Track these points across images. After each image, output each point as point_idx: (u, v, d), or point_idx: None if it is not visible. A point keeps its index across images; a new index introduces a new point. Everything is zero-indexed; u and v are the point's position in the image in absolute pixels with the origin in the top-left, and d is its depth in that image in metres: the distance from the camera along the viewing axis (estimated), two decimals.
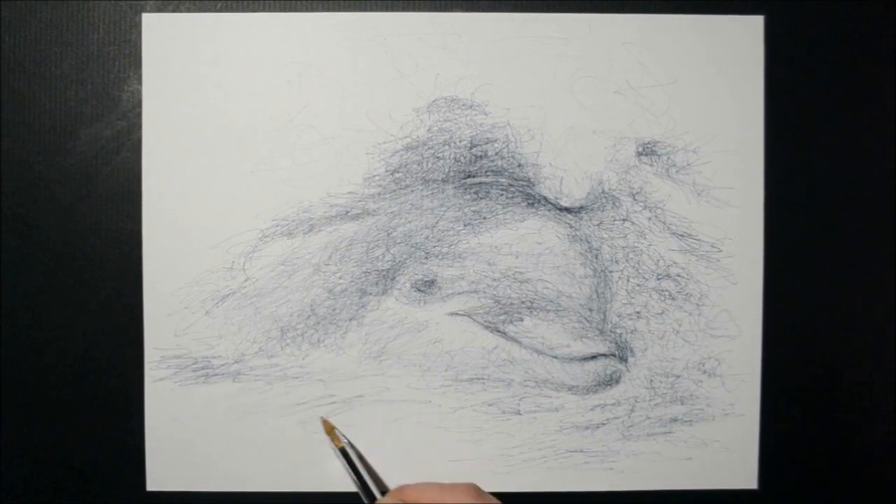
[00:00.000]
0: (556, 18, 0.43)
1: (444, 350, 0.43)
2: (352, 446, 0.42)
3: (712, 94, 0.43)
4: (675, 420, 0.44)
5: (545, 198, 0.43)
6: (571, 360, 0.43)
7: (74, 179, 0.43)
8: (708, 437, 0.44)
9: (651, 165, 0.43)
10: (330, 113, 0.43)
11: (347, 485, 0.42)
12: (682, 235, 0.43)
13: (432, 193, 0.43)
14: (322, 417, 0.43)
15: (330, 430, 0.42)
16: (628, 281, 0.44)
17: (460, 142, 0.43)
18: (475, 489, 0.39)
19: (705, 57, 0.43)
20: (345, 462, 0.41)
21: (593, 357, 0.44)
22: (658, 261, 0.44)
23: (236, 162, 0.43)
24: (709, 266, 0.44)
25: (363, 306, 0.43)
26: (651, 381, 0.44)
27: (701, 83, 0.43)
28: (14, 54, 0.43)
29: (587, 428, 0.44)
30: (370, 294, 0.43)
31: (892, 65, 0.44)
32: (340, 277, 0.43)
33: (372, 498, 0.40)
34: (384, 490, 0.42)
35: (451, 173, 0.43)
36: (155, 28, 0.43)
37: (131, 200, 0.43)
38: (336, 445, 0.41)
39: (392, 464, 0.43)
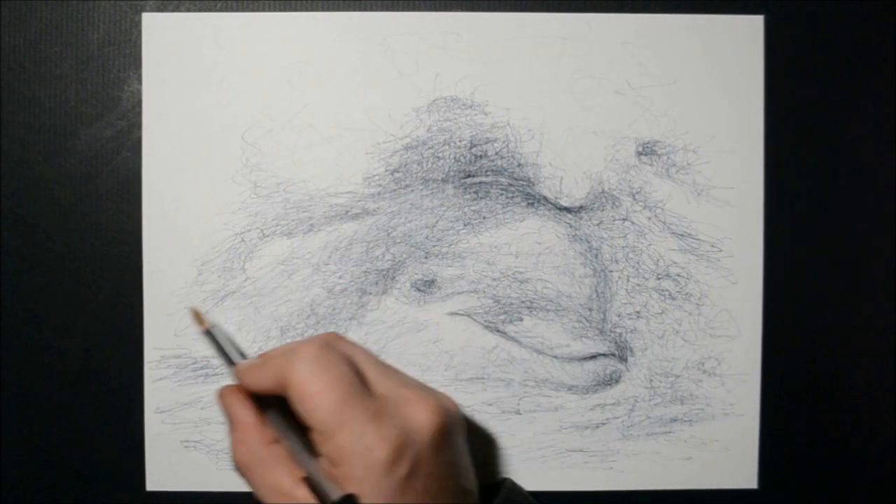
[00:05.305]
0: (556, 18, 0.43)
1: (443, 350, 0.43)
2: (218, 328, 0.40)
3: (712, 94, 0.43)
4: (674, 420, 0.44)
5: (545, 197, 0.43)
6: (571, 359, 0.43)
7: (74, 179, 0.43)
8: (708, 436, 0.44)
9: (651, 165, 0.43)
10: (330, 113, 0.43)
11: None
12: (681, 235, 0.43)
13: (432, 193, 0.43)
14: (191, 307, 0.41)
15: (196, 316, 0.40)
16: (628, 281, 0.44)
17: (460, 141, 0.43)
18: (333, 336, 0.38)
19: (705, 57, 0.43)
20: (212, 343, 0.39)
21: (593, 357, 0.43)
22: (658, 260, 0.43)
23: (236, 161, 0.43)
24: (709, 266, 0.44)
25: (363, 306, 0.43)
26: (651, 380, 0.44)
27: (701, 83, 0.43)
28: (14, 54, 0.43)
29: (587, 427, 0.44)
30: (370, 294, 0.43)
31: (892, 65, 0.44)
32: (340, 277, 0.43)
33: (232, 364, 0.39)
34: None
35: (451, 173, 0.43)
36: (155, 28, 0.43)
37: (131, 200, 0.43)
38: (201, 328, 0.40)
39: None
